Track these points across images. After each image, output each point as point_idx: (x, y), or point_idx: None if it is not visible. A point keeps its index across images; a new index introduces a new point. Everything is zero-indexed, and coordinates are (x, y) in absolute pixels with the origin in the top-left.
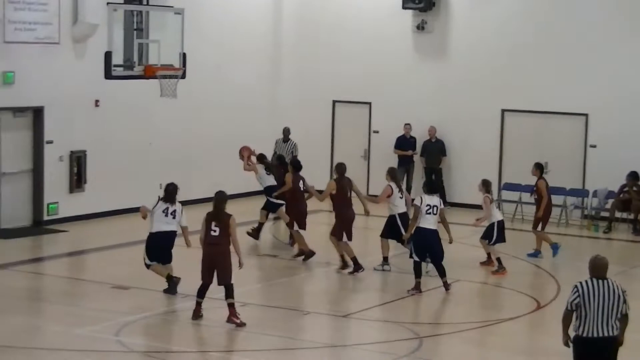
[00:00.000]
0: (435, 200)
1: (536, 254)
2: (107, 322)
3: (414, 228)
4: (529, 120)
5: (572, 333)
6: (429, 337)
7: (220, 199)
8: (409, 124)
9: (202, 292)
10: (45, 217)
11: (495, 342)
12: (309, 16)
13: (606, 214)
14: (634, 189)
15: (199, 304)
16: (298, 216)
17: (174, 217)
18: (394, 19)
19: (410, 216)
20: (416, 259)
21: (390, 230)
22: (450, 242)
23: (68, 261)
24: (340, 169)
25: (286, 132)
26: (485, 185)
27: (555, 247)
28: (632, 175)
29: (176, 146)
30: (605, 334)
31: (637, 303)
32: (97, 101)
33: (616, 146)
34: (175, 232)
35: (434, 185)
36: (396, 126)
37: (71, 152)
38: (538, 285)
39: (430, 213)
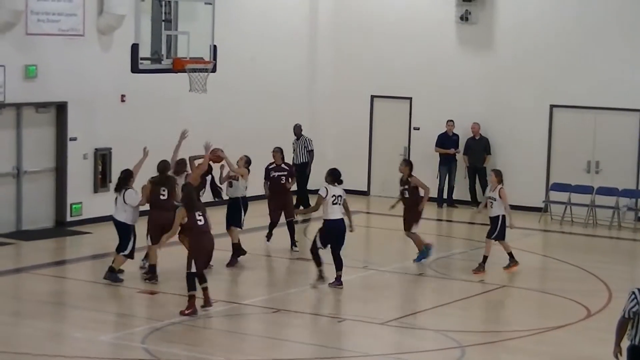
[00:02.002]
0: (339, 190)
1: (422, 256)
2: (132, 328)
3: (323, 220)
4: (580, 116)
5: (625, 343)
6: (472, 346)
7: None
8: (451, 121)
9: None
10: (69, 218)
11: (543, 351)
12: (347, 6)
13: None
14: None
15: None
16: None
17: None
18: (437, 9)
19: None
20: (319, 245)
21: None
22: (352, 231)
23: (92, 264)
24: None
25: (297, 129)
26: (499, 176)
27: (424, 253)
28: None
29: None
30: None
31: None
32: (123, 96)
33: None
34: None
35: (338, 175)
36: (438, 123)
37: (96, 149)
38: (588, 291)
39: (336, 203)
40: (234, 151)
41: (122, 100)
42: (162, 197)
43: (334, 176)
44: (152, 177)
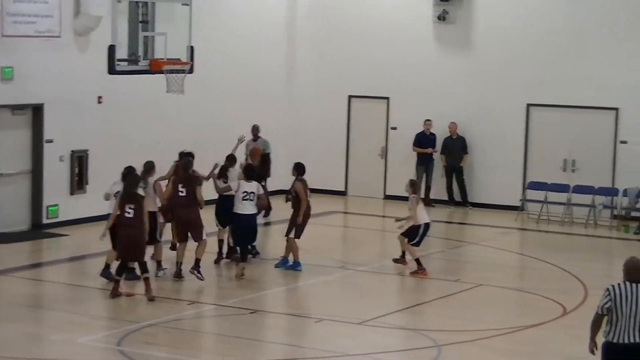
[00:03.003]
0: (253, 186)
1: (284, 262)
2: (109, 330)
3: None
4: (556, 115)
5: (601, 339)
6: (449, 345)
7: (134, 180)
8: (429, 120)
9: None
10: (45, 220)
11: (520, 350)
12: (325, 7)
13: (637, 214)
14: None
15: (117, 282)
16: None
17: None
18: (414, 9)
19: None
20: (232, 244)
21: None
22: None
23: (69, 267)
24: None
25: (255, 130)
26: (413, 185)
27: (288, 263)
28: None
29: (185, 144)
30: (637, 341)
31: None
32: (100, 98)
33: None
34: None
35: (253, 172)
36: (415, 122)
37: (72, 151)
38: (564, 289)
39: (247, 199)
40: (211, 152)
41: (99, 102)
42: (180, 194)
43: (248, 173)
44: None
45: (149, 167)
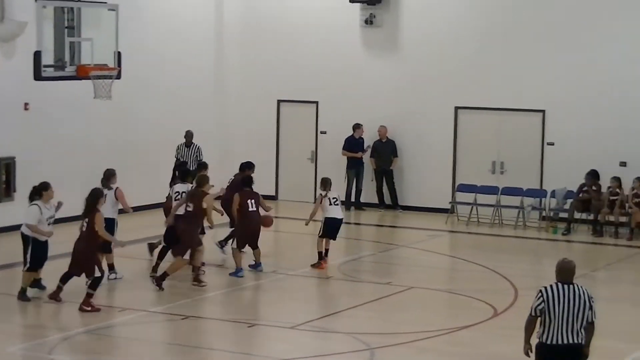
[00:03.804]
0: (184, 187)
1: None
2: (40, 339)
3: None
4: (484, 117)
5: (534, 341)
6: (382, 347)
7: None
8: (360, 124)
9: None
10: None
11: (452, 351)
12: (253, 11)
13: (565, 215)
14: (594, 188)
15: (60, 288)
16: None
17: None
18: (342, 13)
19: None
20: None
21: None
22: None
23: None
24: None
25: (189, 136)
26: (322, 183)
27: (238, 271)
28: (592, 174)
29: (113, 150)
30: (570, 342)
31: (599, 307)
32: (26, 104)
33: (575, 144)
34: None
35: (186, 173)
36: (345, 126)
37: None
38: (495, 290)
39: (177, 199)
40: (140, 156)
41: (26, 109)
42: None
43: (182, 175)
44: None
45: (110, 174)
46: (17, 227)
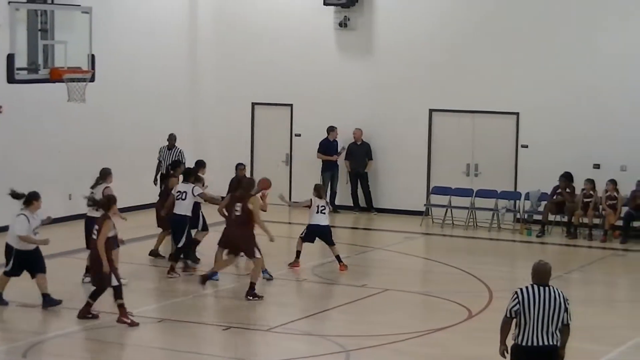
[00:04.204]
0: (187, 187)
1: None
2: (13, 342)
3: None
4: (458, 120)
5: (510, 342)
6: (357, 350)
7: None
8: (334, 127)
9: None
10: None
11: (427, 353)
12: (226, 13)
13: (539, 217)
14: (568, 190)
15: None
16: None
17: None
18: (315, 16)
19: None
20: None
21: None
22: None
23: None
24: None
25: (172, 139)
26: (315, 189)
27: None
28: (566, 177)
29: (87, 153)
30: (545, 343)
31: (573, 309)
32: None
33: (548, 146)
34: None
35: (189, 173)
36: (319, 129)
37: None
38: (469, 293)
39: (179, 199)
40: (115, 159)
41: None
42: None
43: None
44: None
45: (105, 173)
46: None
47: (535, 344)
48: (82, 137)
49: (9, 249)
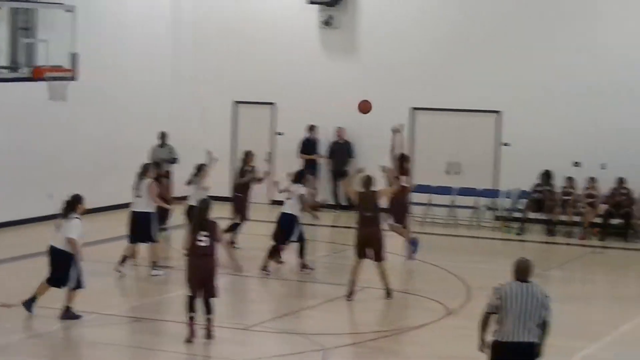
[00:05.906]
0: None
1: None
2: None
3: None
4: (440, 118)
5: (489, 339)
6: (335, 348)
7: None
8: (315, 125)
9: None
10: None
11: (405, 351)
12: (209, 11)
13: (519, 215)
14: (547, 188)
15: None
16: None
17: None
18: (299, 14)
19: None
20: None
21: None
22: None
23: None
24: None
25: (163, 136)
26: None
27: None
28: (546, 175)
29: (69, 151)
30: (524, 340)
31: (552, 305)
32: None
33: (529, 145)
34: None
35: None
36: (301, 128)
37: None
38: (447, 290)
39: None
40: (97, 158)
41: None
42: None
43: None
44: None
45: (146, 168)
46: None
47: (514, 340)
48: (62, 136)
49: (63, 255)
